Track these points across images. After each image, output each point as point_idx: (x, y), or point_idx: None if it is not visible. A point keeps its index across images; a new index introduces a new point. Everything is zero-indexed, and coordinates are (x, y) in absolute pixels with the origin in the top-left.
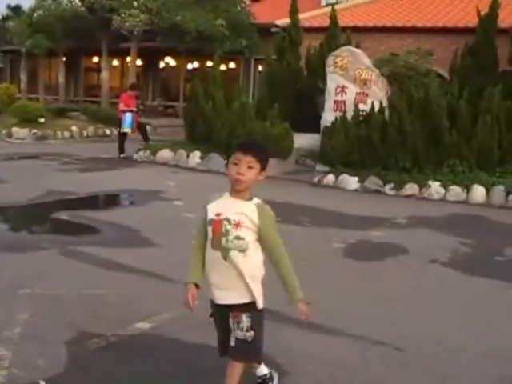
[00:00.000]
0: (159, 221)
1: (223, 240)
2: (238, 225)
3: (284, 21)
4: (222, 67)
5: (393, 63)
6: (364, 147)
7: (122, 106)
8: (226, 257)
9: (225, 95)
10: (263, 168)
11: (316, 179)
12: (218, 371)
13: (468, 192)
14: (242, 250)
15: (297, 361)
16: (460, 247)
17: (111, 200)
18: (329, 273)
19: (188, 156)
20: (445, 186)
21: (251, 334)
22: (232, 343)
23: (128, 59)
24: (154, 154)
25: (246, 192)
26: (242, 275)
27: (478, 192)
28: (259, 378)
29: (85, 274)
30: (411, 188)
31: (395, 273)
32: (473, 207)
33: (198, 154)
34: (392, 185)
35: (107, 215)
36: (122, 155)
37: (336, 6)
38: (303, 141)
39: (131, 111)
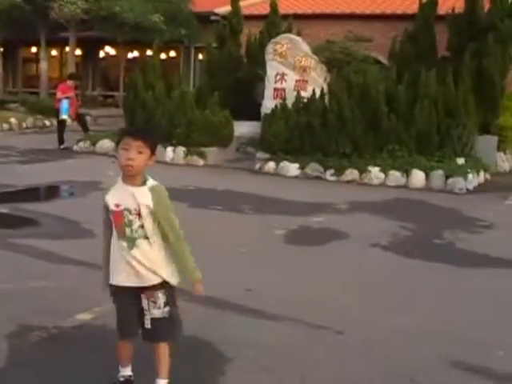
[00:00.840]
0: (100, 212)
1: (127, 231)
2: (139, 214)
3: (224, 9)
4: (162, 56)
5: (331, 50)
6: (304, 134)
7: (59, 95)
8: (132, 246)
9: (165, 84)
10: (153, 152)
11: (257, 167)
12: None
13: (407, 177)
14: (147, 237)
15: (238, 347)
16: (400, 231)
17: (51, 192)
18: (269, 259)
19: None
20: (384, 171)
21: (168, 309)
22: (148, 326)
23: (67, 49)
24: (94, 144)
25: (138, 177)
26: (151, 262)
27: (418, 176)
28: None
29: (25, 266)
30: (351, 174)
31: (336, 257)
32: (412, 191)
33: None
34: (332, 171)
35: (47, 207)
36: (61, 146)
37: None
38: (244, 129)
39: (67, 98)
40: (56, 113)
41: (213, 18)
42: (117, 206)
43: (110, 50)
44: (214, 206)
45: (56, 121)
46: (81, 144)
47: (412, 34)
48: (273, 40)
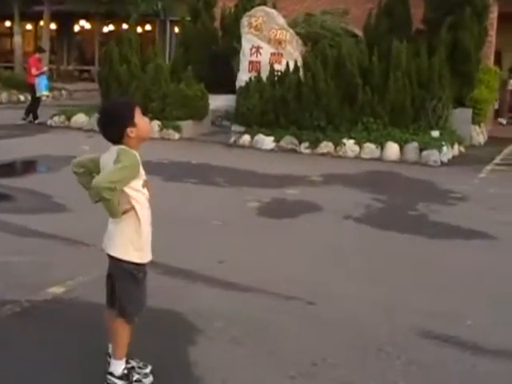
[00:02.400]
0: (73, 186)
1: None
2: None
3: None
4: (138, 30)
5: (307, 23)
6: (279, 107)
7: (34, 71)
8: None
9: (140, 58)
10: (125, 126)
11: (232, 140)
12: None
13: (382, 149)
14: None
15: (209, 318)
16: (374, 203)
17: (25, 167)
18: (243, 232)
19: None
20: (359, 143)
21: None
22: None
23: (41, 23)
24: (68, 119)
25: None
26: None
27: (392, 149)
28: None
29: None
30: (326, 146)
31: (309, 229)
32: (387, 164)
33: None
34: (307, 144)
35: (21, 182)
36: (36, 121)
37: None
38: (219, 102)
39: (42, 73)
40: (31, 88)
41: None
42: (144, 175)
43: (84, 23)
44: (189, 179)
45: (31, 96)
46: (55, 118)
47: (387, 7)
48: (248, 13)
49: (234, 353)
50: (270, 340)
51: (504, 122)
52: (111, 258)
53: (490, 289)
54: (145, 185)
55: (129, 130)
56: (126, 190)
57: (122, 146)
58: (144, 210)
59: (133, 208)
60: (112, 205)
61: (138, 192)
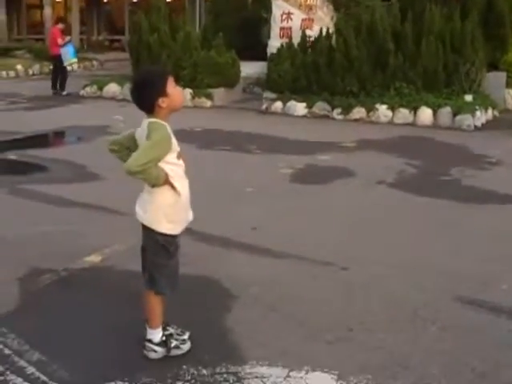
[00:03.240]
0: (106, 156)
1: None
2: None
3: None
4: None
5: None
6: (311, 73)
7: (60, 41)
8: None
9: (170, 26)
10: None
11: (264, 107)
12: (168, 297)
13: (415, 114)
14: None
15: (244, 285)
16: (407, 168)
17: (58, 137)
18: (275, 198)
19: None
20: (392, 108)
21: None
22: None
23: None
24: (100, 89)
25: None
26: None
27: (425, 114)
28: None
29: (34, 211)
30: (359, 112)
31: (342, 195)
32: (420, 129)
33: None
34: (340, 109)
35: (55, 153)
36: (64, 92)
37: None
38: (250, 69)
39: (69, 42)
40: (56, 59)
41: None
42: (178, 145)
43: None
44: (221, 146)
45: (53, 67)
46: (87, 89)
47: None
48: None
49: (270, 319)
50: (305, 305)
51: None
52: (144, 227)
53: None
54: (179, 156)
55: (160, 100)
56: (161, 164)
57: (153, 120)
58: (181, 182)
59: (169, 181)
60: (148, 181)
61: (173, 165)
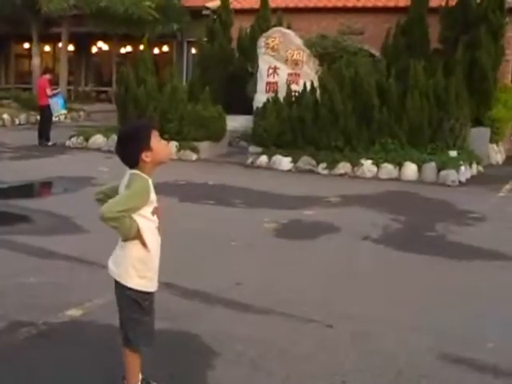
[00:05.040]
0: (91, 207)
1: (159, 223)
2: None
3: (215, 3)
4: (156, 51)
5: (324, 43)
6: (296, 128)
7: (49, 92)
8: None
9: (157, 79)
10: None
11: (249, 161)
12: (148, 351)
13: (400, 169)
14: None
15: (227, 341)
16: (392, 224)
17: (43, 188)
18: (260, 253)
19: None
20: (377, 163)
21: None
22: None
23: (60, 45)
24: (86, 140)
25: None
26: None
27: (410, 169)
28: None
29: (15, 262)
30: (344, 167)
31: (327, 251)
32: (405, 184)
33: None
34: (325, 164)
35: (39, 203)
36: (50, 143)
37: None
38: (236, 123)
39: (57, 93)
40: (43, 110)
41: (204, 12)
42: (157, 201)
43: (102, 45)
44: (206, 200)
45: (40, 118)
46: (73, 139)
47: (404, 27)
48: (264, 34)
49: (253, 376)
50: (288, 363)
51: None
52: (116, 282)
53: (511, 311)
54: (155, 212)
55: (144, 154)
56: (135, 216)
57: (135, 171)
58: (152, 238)
59: (140, 235)
60: (120, 231)
61: (146, 219)
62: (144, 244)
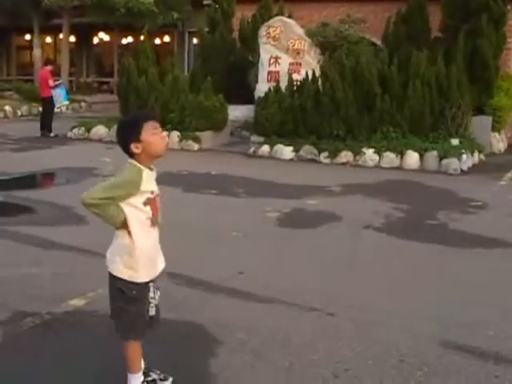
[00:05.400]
0: None
1: (159, 217)
2: (160, 196)
3: None
4: (157, 41)
5: (325, 33)
6: (298, 117)
7: (51, 83)
8: (160, 233)
9: (158, 69)
10: (129, 142)
11: (251, 150)
12: (151, 340)
13: (402, 158)
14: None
15: (230, 330)
16: (393, 212)
17: (46, 179)
18: (262, 242)
19: None
20: (379, 152)
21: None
22: (152, 313)
23: (61, 36)
24: (88, 130)
25: None
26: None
27: (412, 158)
28: None
29: (18, 253)
30: (346, 156)
31: (329, 239)
32: (407, 173)
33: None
34: (327, 153)
35: (42, 194)
36: (52, 134)
37: None
38: (238, 112)
39: (60, 84)
40: (46, 101)
41: (205, 2)
42: (152, 192)
43: (103, 36)
44: (208, 190)
45: (43, 109)
46: (75, 130)
47: (405, 16)
48: (266, 23)
49: (255, 365)
50: (291, 352)
51: None
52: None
53: (510, 298)
54: (148, 203)
55: (133, 145)
56: (124, 205)
57: (131, 161)
58: (140, 228)
59: (127, 225)
60: (103, 218)
61: (136, 209)
62: (131, 235)
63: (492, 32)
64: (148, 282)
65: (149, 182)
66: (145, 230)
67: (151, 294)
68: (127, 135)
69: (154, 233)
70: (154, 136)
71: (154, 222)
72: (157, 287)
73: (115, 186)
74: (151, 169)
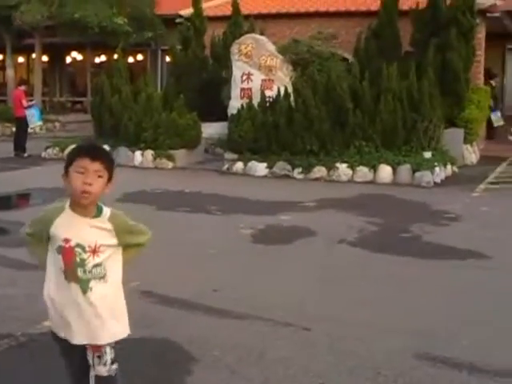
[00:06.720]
0: None
1: (79, 271)
2: (94, 251)
3: (188, 11)
4: (130, 60)
5: (297, 49)
6: (271, 133)
7: (25, 103)
8: (85, 290)
9: (132, 88)
10: (111, 177)
11: (225, 167)
12: (127, 358)
13: (375, 172)
14: (103, 276)
15: (205, 347)
16: (367, 226)
17: (20, 199)
18: (237, 259)
19: None
20: (352, 167)
21: (116, 366)
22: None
23: (33, 56)
24: (62, 150)
25: (94, 206)
26: (110, 309)
27: (385, 171)
28: None
29: None
30: (319, 171)
31: (303, 255)
32: (380, 186)
33: (106, 148)
34: (300, 169)
35: (15, 215)
36: (26, 154)
37: None
38: (212, 130)
39: (34, 104)
40: (19, 121)
41: (178, 20)
42: (66, 241)
43: (76, 55)
44: (183, 207)
45: (16, 129)
46: (49, 151)
47: (376, 31)
48: (237, 41)
49: (230, 382)
50: (266, 367)
51: None
52: None
53: (485, 309)
54: (60, 252)
55: (63, 177)
56: (49, 245)
57: (113, 212)
58: (57, 278)
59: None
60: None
61: (52, 254)
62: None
63: (461, 45)
64: (77, 344)
65: (67, 227)
66: (60, 281)
67: (90, 361)
68: (65, 165)
69: (71, 290)
70: (74, 175)
71: (68, 277)
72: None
73: (33, 221)
74: (88, 215)
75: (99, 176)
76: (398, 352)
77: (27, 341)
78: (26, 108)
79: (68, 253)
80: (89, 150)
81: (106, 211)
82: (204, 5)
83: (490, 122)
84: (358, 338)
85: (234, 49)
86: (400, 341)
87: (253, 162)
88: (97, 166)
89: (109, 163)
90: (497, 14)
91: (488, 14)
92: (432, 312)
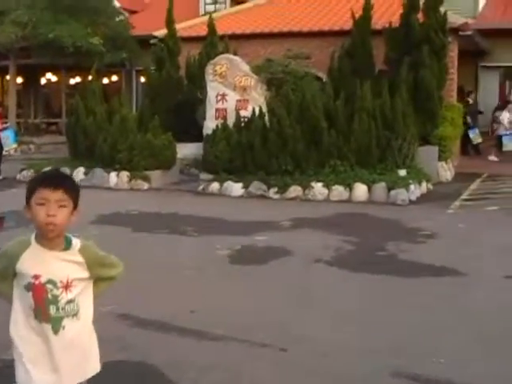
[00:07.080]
0: None
1: (51, 308)
2: (67, 287)
3: (162, 31)
4: (105, 80)
5: (271, 68)
6: (246, 153)
7: (0, 125)
8: (57, 330)
9: (106, 109)
10: (76, 205)
11: (201, 188)
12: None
13: (350, 190)
14: (75, 314)
15: (182, 369)
16: (343, 245)
17: None
18: (214, 280)
19: (72, 173)
20: (327, 186)
21: None
22: None
23: (7, 77)
24: (37, 172)
25: (61, 237)
26: (82, 348)
27: (360, 190)
28: None
29: None
30: (295, 190)
31: (280, 275)
32: (356, 205)
33: (81, 170)
34: (276, 189)
35: None
36: (0, 177)
37: (214, 15)
38: (187, 150)
39: (8, 127)
40: None
41: (152, 41)
42: (36, 277)
43: (51, 76)
44: (158, 229)
45: None
46: (24, 173)
47: (349, 50)
48: (211, 61)
49: None
50: None
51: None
52: None
53: (462, 326)
54: (30, 289)
55: (25, 209)
56: (14, 281)
57: (82, 243)
58: (25, 317)
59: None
60: None
61: (20, 291)
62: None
63: (434, 63)
64: None
65: (35, 262)
66: (28, 320)
67: None
68: (26, 196)
69: (42, 330)
70: (36, 207)
71: (38, 315)
72: None
73: None
74: (56, 248)
75: (63, 206)
76: (376, 371)
77: (3, 366)
78: (0, 130)
79: (38, 290)
80: (49, 179)
81: (76, 243)
82: (178, 26)
83: (469, 140)
84: (336, 358)
85: (209, 69)
86: (377, 359)
87: (228, 182)
88: (59, 196)
89: (72, 191)
90: (469, 33)
91: (460, 33)
92: (409, 329)
